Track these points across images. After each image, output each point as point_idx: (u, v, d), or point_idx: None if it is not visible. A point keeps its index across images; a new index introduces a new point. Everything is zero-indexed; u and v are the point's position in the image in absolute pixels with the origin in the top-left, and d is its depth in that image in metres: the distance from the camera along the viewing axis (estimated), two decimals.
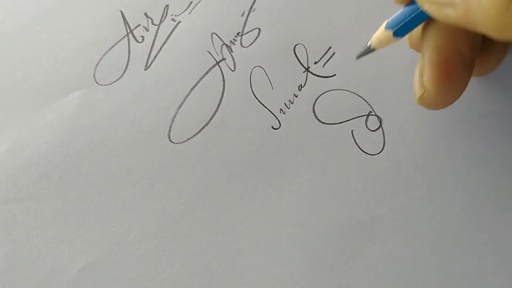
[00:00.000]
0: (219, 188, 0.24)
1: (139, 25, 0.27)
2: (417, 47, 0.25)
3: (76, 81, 0.26)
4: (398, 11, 0.22)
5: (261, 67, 0.26)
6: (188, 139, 0.25)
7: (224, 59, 0.26)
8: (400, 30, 0.22)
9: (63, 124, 0.25)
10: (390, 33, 0.22)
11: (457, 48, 0.22)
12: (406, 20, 0.22)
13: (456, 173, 0.24)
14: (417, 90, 0.23)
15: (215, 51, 0.26)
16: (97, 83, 0.26)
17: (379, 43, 0.23)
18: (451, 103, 0.23)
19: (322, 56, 0.27)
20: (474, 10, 0.17)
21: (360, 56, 0.24)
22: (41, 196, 0.24)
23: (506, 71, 0.25)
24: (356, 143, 0.25)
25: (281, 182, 0.24)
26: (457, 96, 0.23)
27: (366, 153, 0.25)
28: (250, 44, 0.27)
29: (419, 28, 0.23)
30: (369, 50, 0.23)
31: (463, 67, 0.22)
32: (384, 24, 0.22)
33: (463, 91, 0.23)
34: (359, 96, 0.26)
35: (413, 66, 0.26)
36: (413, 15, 0.21)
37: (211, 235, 0.23)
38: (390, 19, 0.22)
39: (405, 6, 0.22)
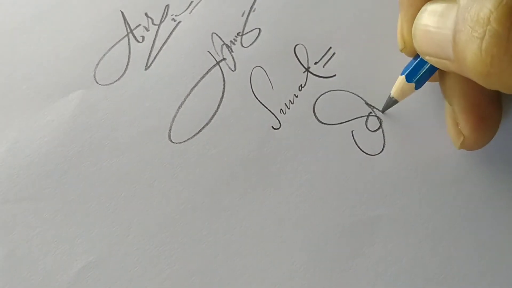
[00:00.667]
0: (219, 188, 0.24)
1: (140, 25, 0.27)
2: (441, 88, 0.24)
3: (76, 81, 0.26)
4: (413, 62, 0.23)
5: (261, 67, 0.26)
6: (188, 139, 0.25)
7: (224, 59, 0.26)
8: (419, 81, 0.23)
9: (63, 124, 0.25)
10: (412, 85, 0.23)
11: (482, 89, 0.21)
12: (424, 70, 0.22)
13: (456, 173, 0.25)
14: (455, 138, 0.23)
15: (215, 51, 0.26)
16: (97, 83, 0.26)
17: (401, 95, 0.24)
18: (490, 140, 0.23)
19: (323, 57, 0.27)
20: (463, 66, 0.18)
21: (385, 109, 0.25)
22: (41, 196, 0.24)
23: None
24: (356, 143, 0.25)
25: (281, 182, 0.24)
26: (495, 132, 0.23)
27: (366, 153, 0.25)
28: (251, 44, 0.27)
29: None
30: (393, 102, 0.24)
31: (494, 105, 0.23)
32: (402, 77, 0.23)
33: (499, 125, 0.23)
34: (359, 96, 0.26)
35: None
36: (428, 65, 0.22)
37: (211, 235, 0.23)
38: (408, 71, 0.23)
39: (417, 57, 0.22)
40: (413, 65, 0.23)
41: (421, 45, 0.20)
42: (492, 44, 0.16)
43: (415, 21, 0.21)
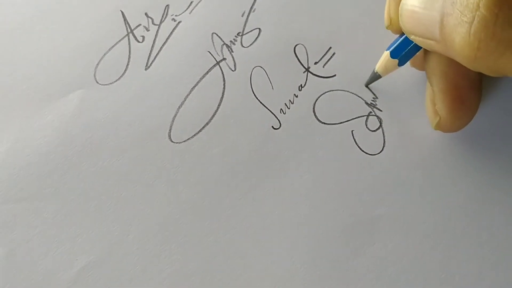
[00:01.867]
0: (220, 188, 0.24)
1: (140, 25, 0.27)
2: (418, 66, 0.25)
3: (76, 81, 0.26)
4: (398, 39, 0.23)
5: (261, 67, 0.26)
6: (188, 139, 0.25)
7: (224, 59, 0.26)
8: (403, 58, 0.23)
9: (63, 124, 0.25)
10: (395, 61, 0.23)
11: (463, 71, 0.22)
12: (408, 48, 0.23)
13: (456, 173, 0.25)
14: (432, 118, 0.24)
15: (216, 51, 0.27)
16: (97, 82, 0.26)
17: (385, 70, 0.24)
18: (467, 124, 0.24)
19: (323, 57, 0.27)
20: (450, 47, 0.18)
21: (368, 83, 0.26)
22: (41, 196, 0.24)
23: None
24: (356, 143, 0.25)
25: (281, 181, 0.24)
26: (472, 117, 0.23)
27: (366, 153, 0.25)
28: (251, 44, 0.27)
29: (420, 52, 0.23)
30: (376, 77, 0.25)
31: (473, 89, 0.23)
32: (387, 52, 0.23)
33: (477, 110, 0.23)
34: (359, 96, 0.26)
35: (412, 68, 0.26)
36: (413, 43, 0.22)
37: (211, 234, 0.23)
38: (392, 48, 0.23)
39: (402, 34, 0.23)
40: (398, 42, 0.23)
41: (407, 25, 0.21)
42: (480, 29, 0.17)
43: (402, 0, 0.21)
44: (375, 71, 0.25)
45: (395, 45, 0.23)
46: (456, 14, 0.17)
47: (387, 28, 0.23)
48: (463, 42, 0.17)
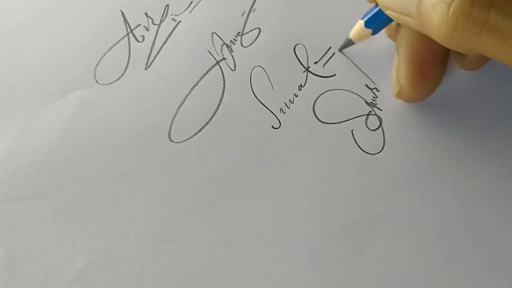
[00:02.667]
0: (220, 187, 0.24)
1: (140, 24, 0.27)
2: (392, 38, 0.26)
3: (76, 81, 0.26)
4: (374, 9, 0.24)
5: (261, 67, 0.26)
6: (188, 139, 0.25)
7: (224, 58, 0.26)
8: (377, 28, 0.24)
9: (63, 124, 0.25)
10: (369, 31, 0.24)
11: (429, 46, 0.23)
12: (382, 19, 0.24)
13: (456, 172, 0.25)
14: (394, 86, 0.25)
15: (215, 50, 0.27)
16: (97, 82, 0.26)
17: (359, 38, 0.25)
18: (427, 97, 0.25)
19: (322, 56, 0.27)
20: (426, 24, 0.19)
21: (342, 48, 0.26)
22: (41, 196, 0.24)
23: (505, 68, 0.25)
24: (356, 142, 0.25)
25: (281, 181, 0.24)
26: (432, 90, 0.25)
27: (366, 152, 0.25)
28: (250, 44, 0.27)
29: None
30: (349, 43, 0.26)
31: (436, 64, 0.24)
32: (360, 21, 0.24)
33: (438, 85, 0.24)
34: (359, 95, 0.26)
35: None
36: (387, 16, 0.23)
37: (211, 234, 0.23)
38: (367, 17, 0.24)
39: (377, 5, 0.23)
40: (373, 12, 0.24)
41: (383, 0, 0.22)
42: (458, 10, 0.18)
43: None
44: (349, 38, 0.26)
45: (370, 15, 0.24)
46: None
47: None
48: (441, 21, 0.18)
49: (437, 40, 0.19)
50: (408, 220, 0.24)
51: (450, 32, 0.18)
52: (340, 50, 0.26)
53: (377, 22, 0.24)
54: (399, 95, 0.25)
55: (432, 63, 0.24)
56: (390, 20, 0.23)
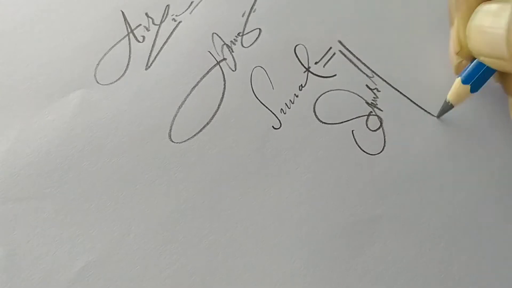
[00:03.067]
0: (220, 188, 0.24)
1: (140, 25, 0.27)
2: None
3: (76, 81, 0.26)
4: (469, 65, 0.23)
5: (261, 67, 0.26)
6: (188, 139, 0.25)
7: (224, 59, 0.26)
8: (475, 84, 0.23)
9: (63, 124, 0.25)
10: (467, 88, 0.23)
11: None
12: (480, 73, 0.22)
13: (456, 173, 0.25)
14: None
15: (216, 51, 0.27)
16: (97, 82, 0.26)
17: (457, 98, 0.24)
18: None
19: (323, 56, 0.27)
20: None
21: (440, 114, 0.25)
22: (41, 196, 0.24)
23: None
24: (356, 143, 0.25)
25: (281, 181, 0.24)
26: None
27: (367, 153, 0.25)
28: (251, 44, 0.27)
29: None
30: (448, 107, 0.24)
31: None
32: (458, 80, 0.23)
33: None
34: (359, 96, 0.26)
35: (413, 66, 0.26)
36: (484, 68, 0.22)
37: (212, 234, 0.23)
38: (464, 74, 0.23)
39: (473, 61, 0.22)
40: (469, 67, 0.23)
41: (475, 45, 0.21)
42: None
43: (469, 22, 0.21)
44: (447, 101, 0.24)
45: (467, 71, 0.23)
46: None
47: (457, 54, 0.23)
48: None
49: None
50: (408, 220, 0.24)
51: None
52: (438, 117, 0.25)
53: (476, 76, 0.23)
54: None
55: None
56: (490, 72, 0.22)
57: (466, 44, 0.22)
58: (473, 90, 0.23)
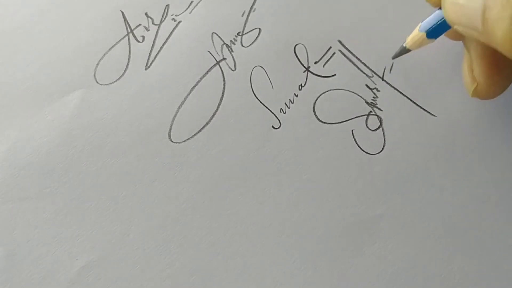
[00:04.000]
0: (219, 188, 0.24)
1: (140, 24, 0.27)
2: (451, 37, 0.25)
3: (76, 81, 0.26)
4: (432, 13, 0.23)
5: (261, 67, 0.26)
6: (188, 139, 0.25)
7: (224, 58, 0.26)
8: (433, 32, 0.23)
9: (63, 124, 0.25)
10: (423, 34, 0.23)
11: None
12: (439, 22, 0.22)
13: (456, 173, 0.25)
14: (469, 85, 0.24)
15: (216, 51, 0.27)
16: (97, 82, 0.26)
17: (413, 44, 0.24)
18: (504, 91, 0.24)
19: (323, 56, 0.27)
20: (491, 39, 0.19)
21: (395, 56, 0.25)
22: (41, 196, 0.24)
23: None
24: (356, 142, 0.25)
25: (281, 181, 0.24)
26: (508, 84, 0.23)
27: (367, 152, 0.25)
28: (251, 44, 0.27)
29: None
30: (404, 51, 0.25)
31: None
32: (418, 26, 0.23)
33: None
34: (359, 95, 0.26)
35: (413, 66, 0.26)
36: (442, 19, 0.22)
37: (211, 234, 0.23)
38: (424, 21, 0.23)
39: (438, 9, 0.22)
40: (430, 16, 0.23)
41: (450, 16, 0.21)
42: None
43: None
44: (404, 46, 0.25)
45: (432, 26, 0.23)
46: (498, 8, 0.18)
47: (427, 1, 0.23)
48: (505, 35, 0.18)
49: (504, 54, 0.19)
50: (408, 220, 0.24)
51: None
52: (393, 58, 0.26)
53: (440, 31, 0.23)
54: (475, 92, 0.24)
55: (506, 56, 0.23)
56: (448, 26, 0.22)
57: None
58: (430, 36, 0.23)
